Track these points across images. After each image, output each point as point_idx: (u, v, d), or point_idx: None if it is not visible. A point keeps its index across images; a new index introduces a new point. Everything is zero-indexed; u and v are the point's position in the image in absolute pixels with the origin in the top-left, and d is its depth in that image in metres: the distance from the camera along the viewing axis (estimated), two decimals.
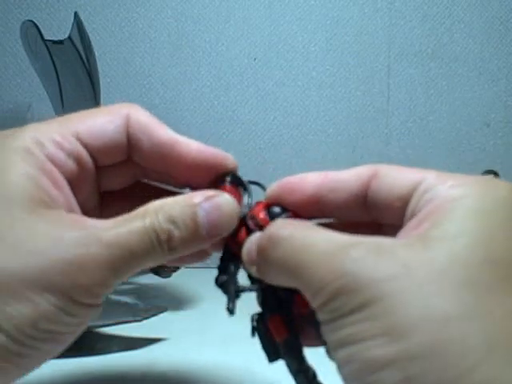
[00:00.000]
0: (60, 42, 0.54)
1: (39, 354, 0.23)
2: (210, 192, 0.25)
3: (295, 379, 0.25)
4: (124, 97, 0.76)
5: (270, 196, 0.27)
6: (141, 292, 0.58)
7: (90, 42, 0.57)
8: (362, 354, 0.18)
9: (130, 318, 0.43)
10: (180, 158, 0.26)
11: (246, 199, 0.28)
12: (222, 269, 0.26)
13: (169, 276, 0.54)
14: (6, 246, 0.21)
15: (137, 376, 0.38)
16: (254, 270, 0.24)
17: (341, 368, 0.19)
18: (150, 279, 0.57)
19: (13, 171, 0.23)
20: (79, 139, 0.25)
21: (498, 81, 0.78)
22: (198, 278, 0.60)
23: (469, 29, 0.77)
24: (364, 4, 0.77)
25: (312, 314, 0.22)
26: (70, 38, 0.55)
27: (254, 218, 0.26)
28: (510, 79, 0.78)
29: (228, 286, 0.25)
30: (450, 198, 0.20)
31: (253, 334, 0.26)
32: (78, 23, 0.55)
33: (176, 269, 0.53)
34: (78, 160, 0.25)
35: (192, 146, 0.27)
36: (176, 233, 0.23)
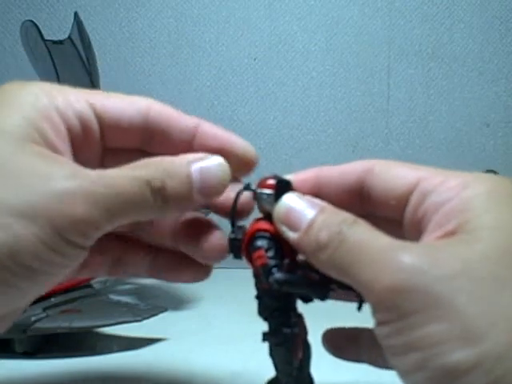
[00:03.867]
0: (60, 42, 0.54)
1: (16, 293, 0.21)
2: (202, 154, 0.25)
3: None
4: None
5: None
6: (141, 292, 0.58)
7: (89, 42, 0.57)
8: (436, 360, 0.17)
9: (130, 318, 0.43)
10: (205, 142, 0.27)
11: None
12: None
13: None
14: None
15: (137, 376, 0.38)
16: (291, 235, 0.23)
17: (408, 375, 0.18)
18: (150, 279, 0.57)
19: (16, 110, 0.23)
20: (96, 112, 0.25)
21: (498, 81, 0.78)
22: None
23: (469, 29, 0.77)
24: (364, 4, 0.77)
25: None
26: (70, 37, 0.55)
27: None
28: (510, 79, 0.78)
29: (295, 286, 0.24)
30: (466, 198, 0.20)
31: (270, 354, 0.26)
32: (78, 23, 0.55)
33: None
34: (87, 129, 0.25)
35: (217, 133, 0.27)
36: (169, 182, 0.23)
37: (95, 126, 0.25)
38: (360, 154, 0.78)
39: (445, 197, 0.21)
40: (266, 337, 0.25)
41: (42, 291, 0.23)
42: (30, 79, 0.71)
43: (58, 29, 0.71)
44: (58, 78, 0.57)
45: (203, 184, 0.24)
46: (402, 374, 0.19)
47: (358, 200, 0.25)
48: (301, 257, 0.24)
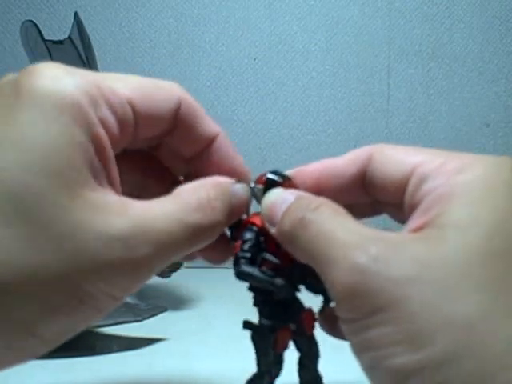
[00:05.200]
0: (60, 42, 0.54)
1: (50, 338, 0.21)
2: (224, 178, 0.25)
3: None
4: None
5: None
6: (141, 292, 0.58)
7: (89, 42, 0.57)
8: (385, 361, 0.17)
9: (130, 318, 0.43)
10: (216, 154, 0.27)
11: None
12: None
13: (169, 276, 0.54)
14: (44, 237, 0.18)
15: (137, 376, 0.38)
16: (273, 230, 0.23)
17: (366, 373, 0.19)
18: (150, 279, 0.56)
19: (57, 133, 0.19)
20: (132, 105, 0.23)
21: (498, 81, 0.78)
22: (197, 278, 0.60)
23: (469, 29, 0.77)
24: (364, 4, 0.77)
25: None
26: (70, 38, 0.55)
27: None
28: (510, 79, 0.78)
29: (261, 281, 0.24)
30: (455, 184, 0.19)
31: (244, 327, 0.26)
32: (78, 23, 0.55)
33: (176, 269, 0.54)
34: (123, 126, 0.23)
35: (229, 149, 0.27)
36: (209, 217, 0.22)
37: (131, 122, 0.23)
38: None
39: (437, 182, 0.20)
40: (244, 325, 0.26)
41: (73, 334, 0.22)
42: None
43: (58, 29, 0.71)
44: None
45: (233, 208, 0.24)
46: (363, 371, 0.19)
47: (362, 188, 0.25)
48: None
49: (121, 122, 0.22)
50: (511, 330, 0.17)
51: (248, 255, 0.24)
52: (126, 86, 0.23)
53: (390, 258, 0.18)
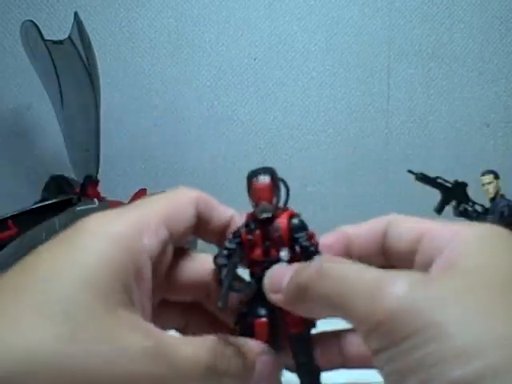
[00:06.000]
0: (60, 42, 0.54)
1: None
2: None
3: None
4: (124, 97, 0.76)
5: None
6: None
7: (89, 42, 0.57)
8: (439, 378, 0.18)
9: None
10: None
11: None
12: (226, 253, 0.26)
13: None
14: (75, 344, 0.20)
15: None
16: (277, 298, 0.24)
17: None
18: None
19: (107, 260, 0.22)
20: (168, 228, 0.25)
21: (498, 81, 0.78)
22: None
23: (469, 29, 0.77)
24: (364, 4, 0.77)
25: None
26: (70, 37, 0.55)
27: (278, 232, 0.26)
28: (510, 79, 0.78)
29: (225, 276, 0.25)
30: (461, 241, 0.22)
31: (235, 324, 0.26)
32: (78, 23, 0.55)
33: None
34: (163, 247, 0.25)
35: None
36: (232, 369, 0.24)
37: (167, 240, 0.25)
38: (360, 153, 0.78)
39: (444, 243, 0.23)
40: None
41: None
42: (30, 79, 0.71)
43: (58, 29, 0.71)
44: (58, 78, 0.57)
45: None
46: None
47: (383, 254, 0.27)
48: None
49: (162, 242, 0.24)
50: None
51: (229, 246, 0.26)
52: (157, 208, 0.25)
53: (424, 285, 0.20)
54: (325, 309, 0.22)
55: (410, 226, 0.25)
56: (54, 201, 0.57)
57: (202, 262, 0.27)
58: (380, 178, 0.77)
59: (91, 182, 0.59)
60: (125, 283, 0.22)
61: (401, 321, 0.19)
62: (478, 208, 0.56)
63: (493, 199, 0.55)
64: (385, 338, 0.19)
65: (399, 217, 0.26)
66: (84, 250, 0.22)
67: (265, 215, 0.26)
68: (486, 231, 0.23)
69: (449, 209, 0.56)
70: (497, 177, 0.55)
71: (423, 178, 0.56)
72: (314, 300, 0.22)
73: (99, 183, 0.61)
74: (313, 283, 0.22)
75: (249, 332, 0.26)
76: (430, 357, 0.18)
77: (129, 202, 0.66)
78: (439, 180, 0.57)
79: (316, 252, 0.25)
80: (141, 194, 0.71)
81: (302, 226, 0.26)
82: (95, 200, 0.56)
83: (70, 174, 0.63)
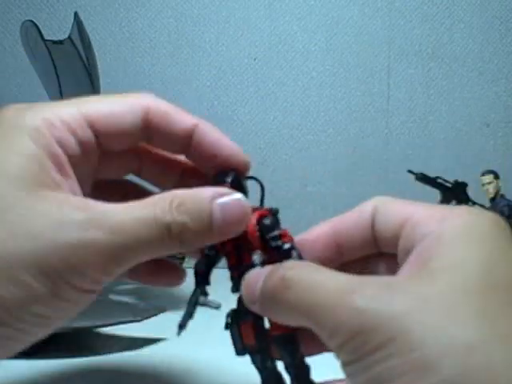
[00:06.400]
0: (60, 42, 0.54)
1: (24, 337, 0.22)
2: (224, 189, 0.24)
3: (260, 375, 0.26)
4: None
5: None
6: (141, 292, 0.58)
7: (89, 42, 0.57)
8: None
9: (130, 318, 0.43)
10: (198, 144, 0.27)
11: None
12: (205, 261, 0.26)
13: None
14: (2, 226, 0.21)
15: (137, 376, 0.38)
16: (255, 308, 0.23)
17: None
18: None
19: (17, 150, 0.22)
20: (91, 125, 0.25)
21: (498, 81, 0.78)
22: None
23: (469, 29, 0.77)
24: (364, 4, 0.77)
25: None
26: (70, 37, 0.55)
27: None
28: (510, 79, 0.78)
29: (191, 297, 0.25)
30: (442, 232, 0.21)
31: (226, 328, 0.26)
32: (78, 23, 0.55)
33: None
34: (85, 145, 0.25)
35: (212, 134, 0.27)
36: (190, 224, 0.22)
37: (94, 144, 0.25)
38: (360, 153, 0.78)
39: (426, 229, 0.22)
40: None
41: (50, 331, 0.23)
42: (29, 79, 0.70)
43: (58, 29, 0.71)
44: (58, 78, 0.57)
45: (224, 223, 0.23)
46: None
47: (373, 241, 0.25)
48: None
49: (81, 141, 0.25)
50: (509, 353, 0.18)
51: (209, 248, 0.25)
52: (85, 109, 0.25)
53: (385, 295, 0.19)
54: (295, 319, 0.21)
55: (396, 209, 0.24)
56: None
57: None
58: (380, 178, 0.77)
59: None
60: (44, 172, 0.22)
61: (367, 336, 0.19)
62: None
63: (493, 199, 0.55)
64: (350, 354, 0.19)
65: (385, 200, 0.25)
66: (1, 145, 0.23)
67: None
68: (473, 221, 0.21)
69: None
70: (497, 177, 0.55)
71: (423, 178, 0.56)
72: (282, 310, 0.22)
73: None
74: (278, 293, 0.21)
75: (237, 334, 0.26)
76: (391, 370, 0.18)
77: None
78: (439, 180, 0.57)
79: (290, 250, 0.25)
80: None
81: (272, 226, 0.25)
82: None
83: None
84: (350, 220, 0.26)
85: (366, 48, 0.77)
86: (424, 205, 0.24)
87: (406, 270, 0.21)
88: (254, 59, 0.77)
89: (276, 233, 0.25)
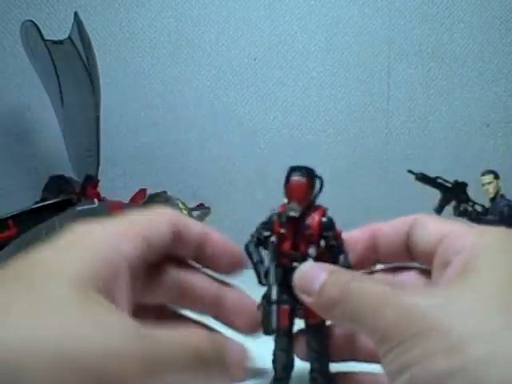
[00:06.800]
0: (60, 42, 0.54)
1: None
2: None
3: (274, 356, 0.29)
4: (124, 97, 0.76)
5: None
6: None
7: (89, 42, 0.57)
8: (430, 368, 0.21)
9: None
10: (210, 246, 0.30)
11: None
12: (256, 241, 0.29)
13: None
14: (46, 323, 0.21)
15: None
16: (308, 299, 0.26)
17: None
18: None
19: (87, 258, 0.24)
20: (146, 241, 0.27)
21: (498, 81, 0.78)
22: None
23: (469, 29, 0.77)
24: (364, 4, 0.77)
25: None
26: (70, 37, 0.55)
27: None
28: (510, 79, 0.78)
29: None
30: (477, 246, 0.24)
31: (258, 308, 0.29)
32: (78, 23, 0.55)
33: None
34: (138, 258, 0.27)
35: (218, 238, 0.31)
36: (212, 361, 0.25)
37: (145, 252, 0.27)
38: (360, 153, 0.78)
39: (462, 246, 0.25)
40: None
41: None
42: (30, 79, 0.70)
43: (58, 29, 0.71)
44: (58, 78, 0.57)
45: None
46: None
47: (407, 251, 0.29)
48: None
49: (139, 254, 0.27)
50: None
51: (255, 236, 0.29)
52: (136, 223, 0.28)
53: (426, 292, 0.23)
54: (348, 323, 0.25)
55: (435, 227, 0.27)
56: (54, 201, 0.57)
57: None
58: (380, 177, 0.77)
59: (91, 182, 0.59)
60: (105, 285, 0.24)
61: (407, 324, 0.22)
62: (478, 208, 0.56)
63: (493, 199, 0.55)
64: (393, 340, 0.22)
65: (426, 217, 0.28)
66: (69, 255, 0.24)
67: (292, 214, 0.28)
68: (503, 236, 0.25)
69: (449, 209, 0.56)
70: (497, 177, 0.55)
71: (423, 178, 0.56)
72: (339, 315, 0.25)
73: (99, 183, 0.61)
74: (338, 301, 0.24)
75: (268, 315, 0.28)
76: (424, 353, 0.21)
77: (129, 202, 0.66)
78: (439, 180, 0.57)
79: (340, 252, 0.28)
80: (141, 193, 0.71)
81: (331, 225, 0.28)
82: (95, 200, 0.56)
83: (70, 173, 0.63)
84: (389, 227, 0.30)
85: (366, 48, 0.77)
86: (461, 224, 0.27)
87: (443, 280, 0.25)
88: (254, 59, 0.77)
89: (332, 232, 0.28)
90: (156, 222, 0.29)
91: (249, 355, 0.27)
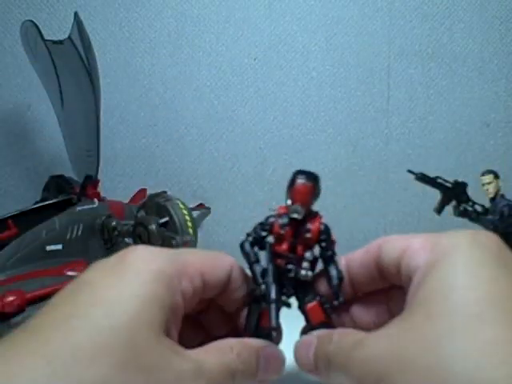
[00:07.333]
0: (60, 42, 0.54)
1: None
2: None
3: None
4: (124, 97, 0.76)
5: None
6: None
7: (89, 42, 0.57)
8: None
9: None
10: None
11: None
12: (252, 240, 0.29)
13: None
14: (136, 370, 0.22)
15: None
16: (310, 372, 0.28)
17: None
18: None
19: (151, 296, 0.25)
20: (202, 276, 0.28)
21: (498, 81, 0.78)
22: None
23: (469, 29, 0.77)
24: (364, 4, 0.77)
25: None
26: (70, 38, 0.55)
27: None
28: (510, 79, 0.78)
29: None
30: (431, 263, 0.24)
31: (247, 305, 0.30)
32: (78, 23, 0.55)
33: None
34: (195, 294, 0.28)
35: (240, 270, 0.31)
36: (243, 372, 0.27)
37: (201, 291, 0.29)
38: (360, 153, 0.78)
39: (417, 262, 0.25)
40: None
41: None
42: (30, 79, 0.70)
43: (58, 29, 0.71)
44: (58, 78, 0.57)
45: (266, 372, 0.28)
46: None
47: (379, 274, 0.29)
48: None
49: (195, 290, 0.28)
50: None
51: (252, 236, 0.29)
52: (197, 259, 0.28)
53: (395, 346, 0.24)
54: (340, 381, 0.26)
55: (396, 243, 0.27)
56: (53, 201, 0.57)
57: None
58: (380, 178, 0.77)
59: (91, 182, 0.59)
60: (165, 316, 0.25)
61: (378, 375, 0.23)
62: (478, 208, 0.56)
63: (493, 199, 0.55)
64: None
65: (390, 237, 0.29)
66: (129, 285, 0.25)
67: (295, 216, 0.28)
68: (458, 245, 0.24)
69: (449, 209, 0.56)
70: (497, 177, 0.55)
71: (423, 178, 0.56)
72: (331, 376, 0.26)
73: (99, 183, 0.61)
74: (324, 366, 0.26)
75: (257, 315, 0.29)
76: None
77: (129, 202, 0.66)
78: (439, 180, 0.56)
79: (333, 260, 0.29)
80: (141, 193, 0.71)
81: (328, 232, 0.29)
82: (95, 200, 0.56)
83: (70, 173, 0.63)
84: (358, 257, 0.30)
85: (366, 48, 0.77)
86: (421, 235, 0.27)
87: (406, 306, 0.25)
88: (254, 59, 0.77)
89: (329, 239, 0.29)
90: (216, 263, 0.29)
91: (284, 359, 0.29)
